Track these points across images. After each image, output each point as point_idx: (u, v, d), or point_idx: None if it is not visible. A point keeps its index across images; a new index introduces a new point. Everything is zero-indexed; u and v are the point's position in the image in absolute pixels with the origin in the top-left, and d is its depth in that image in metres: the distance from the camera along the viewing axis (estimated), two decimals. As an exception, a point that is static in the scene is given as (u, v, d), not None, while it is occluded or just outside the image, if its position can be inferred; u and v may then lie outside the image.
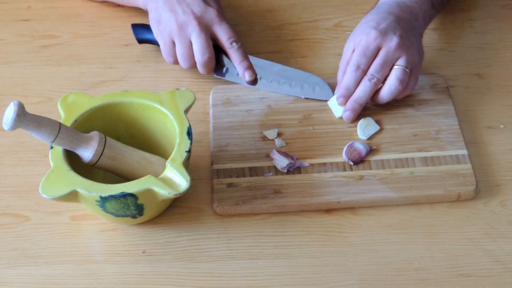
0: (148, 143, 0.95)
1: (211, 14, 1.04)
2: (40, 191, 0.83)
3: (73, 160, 0.87)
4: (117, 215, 0.88)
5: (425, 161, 0.96)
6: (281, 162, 0.95)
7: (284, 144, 0.99)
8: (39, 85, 1.09)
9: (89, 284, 0.88)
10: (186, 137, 0.88)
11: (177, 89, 0.93)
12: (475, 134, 1.00)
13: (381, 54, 0.97)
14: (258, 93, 1.05)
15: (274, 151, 0.97)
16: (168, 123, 0.91)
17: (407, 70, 0.98)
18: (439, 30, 1.15)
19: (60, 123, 0.84)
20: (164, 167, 0.87)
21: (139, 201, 0.85)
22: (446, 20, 1.16)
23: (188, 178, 0.84)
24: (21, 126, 0.81)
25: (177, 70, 1.10)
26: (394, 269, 0.88)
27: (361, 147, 0.96)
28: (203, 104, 1.05)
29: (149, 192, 0.84)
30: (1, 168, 0.99)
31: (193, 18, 1.02)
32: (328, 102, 1.02)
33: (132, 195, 0.84)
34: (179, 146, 0.87)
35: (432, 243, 0.90)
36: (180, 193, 0.84)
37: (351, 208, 0.93)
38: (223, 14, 1.06)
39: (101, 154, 0.87)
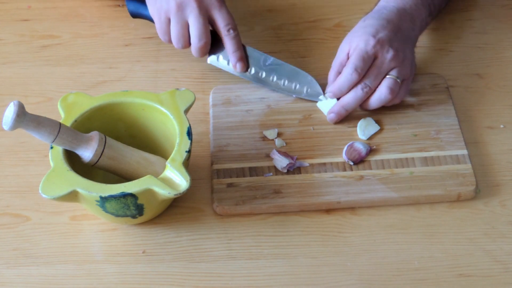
0: (148, 143, 0.95)
1: None
2: (40, 191, 0.83)
3: (73, 160, 0.87)
4: (117, 215, 0.88)
5: (425, 161, 0.96)
6: (281, 162, 0.95)
7: (284, 144, 0.99)
8: (39, 85, 1.09)
9: (89, 284, 0.88)
10: (186, 137, 0.88)
11: (177, 89, 0.93)
12: (475, 134, 1.00)
13: (377, 64, 0.98)
14: (258, 93, 1.05)
15: (274, 151, 0.97)
16: (168, 123, 0.91)
17: (398, 80, 0.98)
18: (439, 30, 1.15)
19: (60, 123, 0.84)
20: (164, 167, 0.87)
21: (139, 201, 0.85)
22: (446, 20, 1.16)
23: (188, 178, 0.84)
24: (21, 126, 0.81)
25: (177, 70, 1.10)
26: (394, 269, 0.88)
27: (361, 147, 0.96)
28: (203, 104, 1.05)
29: (149, 192, 0.84)
30: (1, 168, 0.99)
31: (193, 1, 1.01)
32: (318, 104, 1.02)
33: (132, 195, 0.84)
34: (179, 146, 0.87)
35: (432, 243, 0.90)
36: (180, 193, 0.84)
37: (351, 208, 0.93)
38: (223, 0, 1.04)
39: (101, 154, 0.86)
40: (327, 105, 1.01)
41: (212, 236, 0.91)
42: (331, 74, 1.01)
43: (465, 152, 0.97)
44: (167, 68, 1.10)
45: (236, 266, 0.89)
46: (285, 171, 0.95)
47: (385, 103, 0.99)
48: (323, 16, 1.18)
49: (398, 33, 1.00)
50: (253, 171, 0.96)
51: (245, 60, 1.05)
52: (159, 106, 0.92)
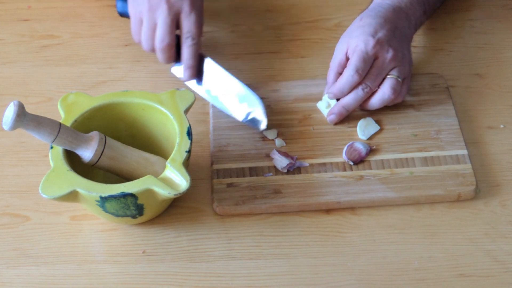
0: (148, 143, 0.95)
1: (183, 2, 1.01)
2: (40, 191, 0.83)
3: (73, 160, 0.87)
4: (117, 215, 0.88)
5: (425, 161, 0.96)
6: (281, 162, 0.95)
7: (284, 144, 0.99)
8: (39, 85, 1.09)
9: (89, 284, 0.88)
10: (186, 137, 0.88)
11: (177, 89, 0.93)
12: (475, 134, 1.00)
13: (377, 64, 0.98)
14: (258, 93, 1.04)
15: (274, 151, 0.97)
16: (168, 123, 0.91)
17: (399, 80, 0.98)
18: (439, 30, 1.15)
19: (60, 123, 0.84)
20: (164, 167, 0.87)
21: (139, 201, 0.85)
22: (446, 20, 1.16)
23: (188, 178, 0.84)
24: (21, 126, 0.81)
25: (177, 70, 1.10)
26: (394, 269, 0.88)
27: (361, 147, 0.96)
28: (203, 104, 1.05)
29: (149, 192, 0.84)
30: (1, 168, 0.99)
31: (164, 2, 1.01)
32: (317, 104, 1.02)
33: (132, 195, 0.84)
34: (179, 146, 0.87)
35: (432, 243, 0.90)
36: (180, 193, 0.84)
37: (351, 208, 0.93)
38: (198, 7, 1.03)
39: (101, 154, 0.87)
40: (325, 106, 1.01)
41: (212, 236, 0.91)
42: (330, 75, 1.01)
43: (465, 152, 0.97)
44: (167, 68, 1.10)
45: (236, 266, 0.89)
46: (285, 171, 0.95)
47: (387, 103, 0.99)
48: (323, 16, 1.18)
49: (396, 32, 1.00)
50: (253, 171, 0.96)
51: (194, 70, 1.03)
52: (159, 106, 0.92)
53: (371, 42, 0.97)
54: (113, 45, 1.14)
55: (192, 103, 0.92)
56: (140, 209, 0.87)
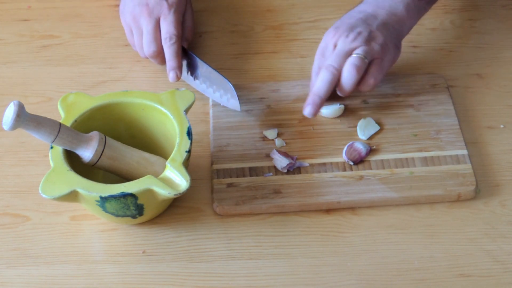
0: (148, 143, 0.95)
1: (162, 6, 1.03)
2: (40, 191, 0.83)
3: (73, 160, 0.87)
4: (117, 215, 0.88)
5: (425, 161, 0.96)
6: (281, 162, 0.95)
7: (284, 144, 0.99)
8: (39, 85, 1.09)
9: (89, 284, 0.88)
10: (186, 137, 0.88)
11: (177, 89, 0.93)
12: (475, 134, 1.00)
13: (338, 46, 0.98)
14: (258, 93, 1.05)
15: (274, 151, 0.97)
16: (168, 123, 0.91)
17: (364, 59, 0.96)
18: (439, 30, 1.15)
19: (60, 123, 0.84)
20: (164, 167, 0.87)
21: (139, 201, 0.85)
22: (446, 20, 1.16)
23: (188, 178, 0.84)
24: (21, 126, 0.81)
25: (177, 70, 1.10)
26: (394, 269, 0.88)
27: (361, 147, 0.96)
28: (203, 104, 1.05)
29: (149, 192, 0.84)
30: (1, 168, 0.99)
31: (144, 10, 1.03)
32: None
33: (132, 195, 0.84)
34: (179, 146, 0.87)
35: (432, 243, 0.90)
36: (180, 193, 0.84)
37: (351, 208, 0.93)
38: (176, 8, 1.04)
39: (101, 154, 0.87)
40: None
41: (212, 236, 0.91)
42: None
43: (465, 152, 0.97)
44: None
45: (236, 266, 0.89)
46: (285, 171, 0.95)
47: (354, 82, 0.96)
48: (323, 16, 1.18)
49: (369, 20, 0.99)
50: (253, 171, 0.96)
51: (179, 70, 1.03)
52: (159, 106, 0.92)
53: (331, 33, 0.99)
54: (113, 45, 1.14)
55: (192, 103, 0.92)
56: (140, 209, 0.87)
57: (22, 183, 0.97)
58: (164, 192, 0.83)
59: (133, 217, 0.89)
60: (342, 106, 1.01)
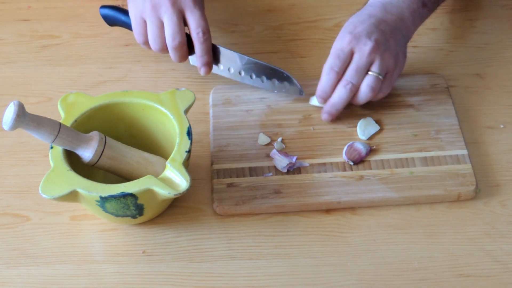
0: (148, 143, 0.95)
1: None
2: (40, 191, 0.83)
3: (73, 160, 0.87)
4: (117, 215, 0.88)
5: (425, 161, 0.96)
6: (281, 162, 0.95)
7: (283, 147, 0.99)
8: (39, 85, 1.09)
9: (89, 284, 0.88)
10: (186, 137, 0.88)
11: (177, 89, 0.93)
12: (475, 134, 1.00)
13: (355, 59, 0.97)
14: (258, 93, 1.04)
15: (274, 151, 0.97)
16: (168, 123, 0.91)
17: (380, 77, 0.97)
18: (439, 30, 1.15)
19: (60, 123, 0.84)
20: (164, 167, 0.87)
21: (139, 201, 0.85)
22: (446, 20, 1.16)
23: (188, 178, 0.84)
24: (21, 126, 0.81)
25: (177, 70, 1.10)
26: (394, 269, 0.88)
27: (361, 147, 0.96)
28: (203, 104, 1.05)
29: (149, 192, 0.84)
30: (1, 168, 0.99)
31: (167, 0, 1.00)
32: (310, 102, 1.03)
33: (132, 195, 0.84)
34: (179, 146, 0.87)
35: (432, 243, 0.90)
36: (180, 193, 0.84)
37: (351, 208, 0.93)
38: (200, 2, 1.02)
39: (101, 154, 0.87)
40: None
41: (212, 236, 0.91)
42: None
43: (465, 152, 0.97)
44: (167, 68, 1.10)
45: (236, 266, 0.89)
46: (285, 171, 0.95)
47: (369, 100, 0.99)
48: (323, 16, 1.18)
49: (381, 25, 0.99)
50: (253, 171, 0.96)
51: (210, 65, 1.03)
52: (159, 106, 0.92)
53: (347, 38, 0.97)
54: (113, 45, 1.14)
55: (192, 103, 0.92)
56: (140, 209, 0.87)
57: (22, 183, 0.97)
58: (164, 192, 0.83)
59: (133, 217, 0.89)
60: None
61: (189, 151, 0.87)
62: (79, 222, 0.93)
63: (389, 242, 0.90)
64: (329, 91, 0.99)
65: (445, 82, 1.05)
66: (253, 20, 1.18)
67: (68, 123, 0.89)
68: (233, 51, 1.04)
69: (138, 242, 0.91)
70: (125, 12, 1.07)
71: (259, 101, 1.04)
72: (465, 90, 1.06)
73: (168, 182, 0.84)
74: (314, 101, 1.02)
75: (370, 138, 0.99)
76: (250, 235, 0.91)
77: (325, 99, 1.00)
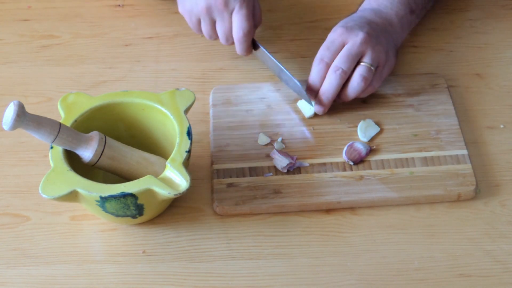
0: (148, 143, 0.95)
1: None
2: (40, 191, 0.83)
3: (73, 160, 0.87)
4: (117, 215, 0.88)
5: (425, 161, 0.96)
6: (281, 162, 0.95)
7: (283, 147, 0.99)
8: (39, 85, 1.09)
9: (89, 284, 0.88)
10: (186, 137, 0.88)
11: (177, 89, 0.93)
12: (475, 134, 1.00)
13: (346, 47, 0.98)
14: (258, 93, 1.05)
15: (274, 151, 0.97)
16: (168, 123, 0.91)
17: (372, 68, 0.97)
18: (439, 30, 1.15)
19: (60, 123, 0.84)
20: (164, 167, 0.87)
21: (139, 201, 0.85)
22: (446, 20, 1.16)
23: (188, 178, 0.84)
24: (21, 126, 0.81)
25: (177, 70, 1.10)
26: (394, 269, 0.88)
27: (361, 147, 0.96)
28: (203, 104, 1.05)
29: (149, 192, 0.84)
30: (1, 168, 0.99)
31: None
32: (298, 103, 1.02)
33: (132, 195, 0.84)
34: (179, 146, 0.87)
35: (432, 243, 0.90)
36: (180, 193, 0.84)
37: (351, 208, 0.93)
38: (249, 1, 1.02)
39: (101, 154, 0.86)
40: (306, 105, 1.01)
41: (212, 236, 0.91)
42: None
43: (465, 152, 0.97)
44: (167, 68, 1.10)
45: (236, 266, 0.89)
46: (285, 171, 0.95)
47: (360, 92, 0.98)
48: (323, 16, 1.18)
49: (372, 24, 1.00)
50: (253, 171, 0.96)
51: (249, 42, 1.04)
52: (159, 106, 0.92)
53: (338, 31, 0.98)
54: (113, 45, 1.14)
55: (192, 103, 0.92)
56: (140, 209, 0.87)
57: (22, 183, 0.97)
58: (164, 192, 0.83)
59: (133, 217, 0.89)
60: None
61: (189, 151, 0.87)
62: (79, 222, 0.93)
63: (389, 242, 0.90)
64: (319, 82, 0.99)
65: (445, 82, 1.05)
66: (253, 20, 1.17)
67: (68, 123, 0.89)
68: (272, 56, 1.04)
69: (138, 242, 0.91)
70: None
71: (259, 101, 1.04)
72: (465, 90, 1.06)
73: (168, 182, 0.84)
74: (302, 102, 1.02)
75: (371, 138, 0.99)
76: (250, 235, 0.91)
77: (315, 91, 0.99)
